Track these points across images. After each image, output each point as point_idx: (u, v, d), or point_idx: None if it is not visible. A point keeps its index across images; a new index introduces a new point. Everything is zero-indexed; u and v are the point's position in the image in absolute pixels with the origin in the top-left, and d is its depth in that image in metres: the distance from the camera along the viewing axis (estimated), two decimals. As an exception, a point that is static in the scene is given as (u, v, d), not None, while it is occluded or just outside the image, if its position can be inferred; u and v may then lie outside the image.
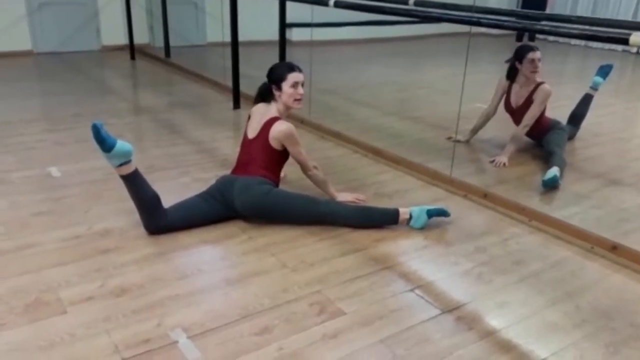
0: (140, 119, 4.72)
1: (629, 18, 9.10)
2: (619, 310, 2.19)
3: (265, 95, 2.93)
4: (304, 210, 2.78)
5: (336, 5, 3.51)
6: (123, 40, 7.95)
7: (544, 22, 3.80)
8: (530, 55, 3.77)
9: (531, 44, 3.89)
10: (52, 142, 3.99)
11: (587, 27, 2.89)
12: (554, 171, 3.31)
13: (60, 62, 7.12)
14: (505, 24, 3.10)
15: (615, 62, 8.63)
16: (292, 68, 2.86)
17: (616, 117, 5.29)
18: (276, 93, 2.86)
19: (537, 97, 3.79)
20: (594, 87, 4.39)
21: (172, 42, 7.48)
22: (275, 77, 2.85)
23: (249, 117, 2.98)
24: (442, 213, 2.84)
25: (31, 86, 6.04)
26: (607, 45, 9.44)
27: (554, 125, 3.94)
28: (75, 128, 4.33)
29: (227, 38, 5.16)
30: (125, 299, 2.16)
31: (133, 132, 4.31)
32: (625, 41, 2.11)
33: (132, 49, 7.47)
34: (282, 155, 2.88)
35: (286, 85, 2.83)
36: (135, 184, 2.59)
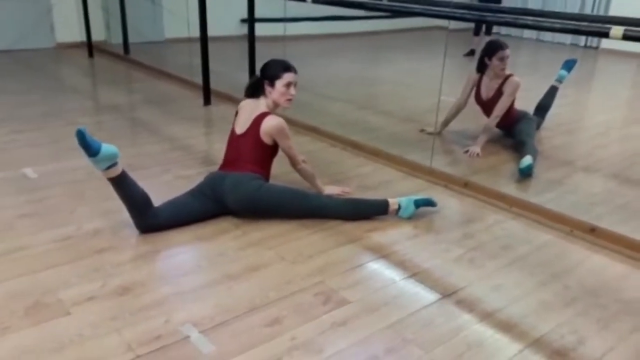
0: (110, 117, 4.62)
1: (576, 11, 9.49)
2: (604, 288, 2.33)
3: (255, 90, 2.94)
4: (295, 205, 2.82)
5: (315, 1, 3.54)
6: (79, 37, 7.72)
7: (509, 16, 3.94)
8: (500, 53, 3.92)
9: (501, 41, 4.03)
10: (23, 142, 3.87)
11: (547, 19, 3.03)
12: (528, 159, 3.46)
13: (14, 61, 6.86)
14: (488, 18, 3.21)
15: (565, 54, 9.02)
16: (289, 68, 2.89)
17: (575, 108, 5.56)
18: (268, 89, 2.88)
19: (507, 88, 3.94)
20: (559, 80, 4.61)
21: (130, 39, 7.33)
22: (270, 73, 2.87)
23: (237, 113, 2.98)
24: (429, 203, 2.93)
25: (-13, 86, 5.81)
26: (556, 39, 9.85)
27: (522, 115, 4.11)
28: (44, 128, 4.20)
29: (192, 33, 5.12)
30: (129, 298, 2.14)
31: (105, 131, 4.22)
32: (605, 34, 2.24)
33: (90, 46, 7.27)
34: (273, 150, 2.90)
35: (280, 84, 2.85)
36: (123, 186, 2.55)
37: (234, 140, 2.93)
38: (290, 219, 2.81)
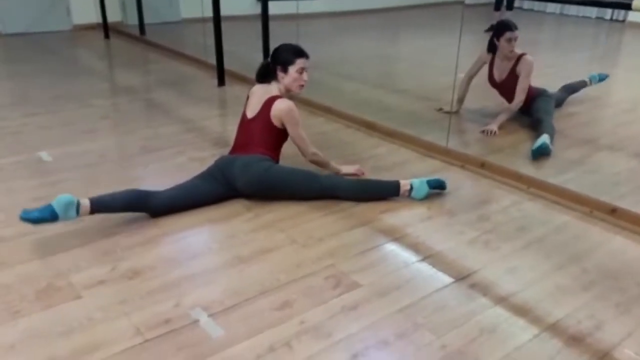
0: (124, 99, 4.62)
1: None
2: (624, 271, 2.26)
3: (266, 74, 2.89)
4: (305, 185, 2.78)
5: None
6: (95, 19, 7.72)
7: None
8: (508, 34, 3.81)
9: (510, 22, 3.91)
10: (36, 125, 3.88)
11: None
12: (543, 138, 3.37)
13: (31, 44, 6.89)
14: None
15: (590, 28, 8.78)
16: (301, 53, 2.84)
17: (599, 83, 5.38)
18: (280, 74, 2.83)
19: (522, 70, 3.82)
20: (590, 79, 4.58)
21: (145, 20, 7.30)
22: (283, 59, 2.82)
23: (248, 97, 2.94)
24: (440, 185, 2.87)
25: (2, 69, 5.84)
26: (581, 13, 9.56)
27: (540, 93, 3.99)
28: (59, 111, 4.22)
29: (206, 13, 5.06)
30: (139, 281, 2.14)
31: (120, 113, 4.22)
32: (628, 6, 2.14)
33: (106, 28, 7.26)
34: (283, 134, 2.86)
35: (293, 70, 2.80)
36: (106, 208, 2.49)
37: (245, 124, 2.89)
38: (301, 200, 2.78)
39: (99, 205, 2.45)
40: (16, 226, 2.51)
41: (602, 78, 4.70)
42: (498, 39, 3.85)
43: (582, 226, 2.62)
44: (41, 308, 1.98)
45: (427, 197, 2.83)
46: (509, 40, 3.80)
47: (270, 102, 2.79)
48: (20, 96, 4.70)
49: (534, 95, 3.96)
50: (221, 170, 2.76)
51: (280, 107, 2.77)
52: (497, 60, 3.96)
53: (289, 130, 2.84)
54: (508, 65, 3.90)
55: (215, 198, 2.75)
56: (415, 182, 2.84)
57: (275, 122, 2.80)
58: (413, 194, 2.83)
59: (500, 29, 3.87)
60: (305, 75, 2.85)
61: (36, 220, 2.28)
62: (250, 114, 2.86)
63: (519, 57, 3.85)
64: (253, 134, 2.83)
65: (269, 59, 2.89)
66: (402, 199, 2.83)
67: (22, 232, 2.46)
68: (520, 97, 3.85)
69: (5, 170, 3.11)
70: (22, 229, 2.48)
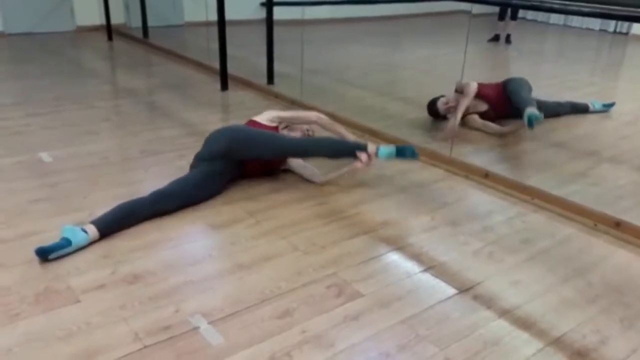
0: (126, 101, 4.60)
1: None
2: (629, 285, 2.24)
3: None
4: (277, 143, 2.89)
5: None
6: (98, 20, 7.72)
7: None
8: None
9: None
10: (38, 126, 3.86)
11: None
12: (529, 110, 3.49)
13: (34, 44, 6.88)
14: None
15: (593, 40, 8.79)
16: None
17: (601, 96, 5.35)
18: None
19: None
20: (593, 106, 4.56)
21: (149, 22, 7.29)
22: None
23: None
24: (411, 153, 2.94)
25: (5, 69, 5.81)
26: (584, 24, 9.58)
27: (507, 82, 4.06)
28: (61, 111, 4.19)
29: (210, 17, 5.05)
30: (139, 286, 2.11)
31: (122, 116, 4.20)
32: (637, 19, 2.12)
33: (110, 30, 7.26)
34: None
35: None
36: (117, 227, 2.47)
37: None
38: (274, 158, 2.94)
39: (108, 228, 2.42)
40: (16, 228, 2.50)
41: (608, 106, 4.67)
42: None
43: (586, 239, 2.60)
44: (40, 311, 1.95)
45: (390, 158, 2.95)
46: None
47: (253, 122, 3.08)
48: (23, 96, 4.67)
49: (502, 89, 4.06)
50: (207, 149, 2.87)
51: (262, 115, 3.09)
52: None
53: (287, 119, 3.12)
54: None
55: (209, 181, 2.80)
56: (383, 146, 2.98)
57: (270, 123, 3.04)
58: (380, 152, 2.92)
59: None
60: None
61: (51, 249, 2.23)
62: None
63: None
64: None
65: None
66: (404, 207, 2.81)
67: (22, 234, 2.44)
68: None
69: (6, 171, 3.09)
70: (22, 231, 2.46)
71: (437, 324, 1.97)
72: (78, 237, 2.31)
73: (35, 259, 2.25)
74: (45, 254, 2.22)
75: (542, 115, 3.49)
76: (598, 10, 2.47)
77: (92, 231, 2.36)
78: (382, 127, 3.92)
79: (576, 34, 9.26)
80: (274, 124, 3.08)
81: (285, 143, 2.89)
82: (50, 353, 1.76)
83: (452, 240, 2.54)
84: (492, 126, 3.94)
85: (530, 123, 3.46)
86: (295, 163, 3.13)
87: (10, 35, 7.27)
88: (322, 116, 3.16)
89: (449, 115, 3.99)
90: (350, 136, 3.18)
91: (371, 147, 2.89)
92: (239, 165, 2.94)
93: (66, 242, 2.26)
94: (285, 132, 3.14)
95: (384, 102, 4.89)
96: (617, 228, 2.63)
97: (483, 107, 4.06)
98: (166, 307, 2.00)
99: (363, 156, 2.83)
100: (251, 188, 2.97)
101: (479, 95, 4.02)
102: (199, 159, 2.88)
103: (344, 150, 2.92)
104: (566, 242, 2.56)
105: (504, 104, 4.00)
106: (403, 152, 2.94)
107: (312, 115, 3.16)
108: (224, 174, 2.86)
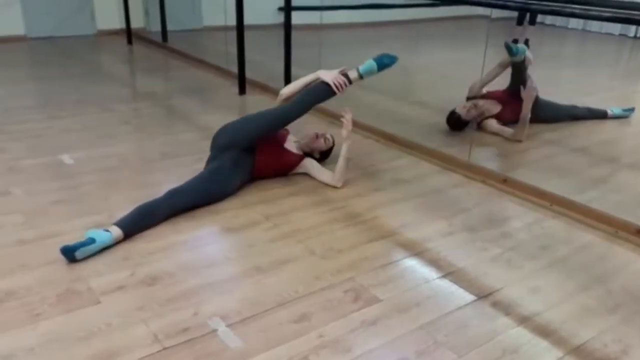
0: (145, 104, 4.64)
1: None
2: (651, 293, 2.21)
3: None
4: (266, 119, 3.03)
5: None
6: (118, 24, 7.81)
7: (554, 4, 3.80)
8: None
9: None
10: (59, 129, 3.92)
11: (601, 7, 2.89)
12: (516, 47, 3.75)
13: (55, 47, 6.98)
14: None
15: (612, 45, 8.68)
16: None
17: (622, 101, 5.29)
18: None
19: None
20: (612, 112, 4.50)
21: (168, 27, 7.35)
22: None
23: None
24: (390, 60, 3.19)
25: (27, 72, 5.91)
26: (604, 29, 9.47)
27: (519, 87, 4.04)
28: (81, 114, 4.25)
29: (229, 22, 5.08)
30: (158, 288, 2.13)
31: (140, 119, 4.24)
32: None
33: (129, 34, 7.34)
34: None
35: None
36: (140, 226, 2.52)
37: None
38: (271, 130, 3.05)
39: (132, 228, 2.46)
40: (37, 229, 2.53)
41: (628, 111, 4.61)
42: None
43: (606, 246, 2.56)
44: (61, 312, 1.97)
45: (372, 72, 3.18)
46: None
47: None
48: (44, 99, 4.74)
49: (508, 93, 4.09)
50: (215, 147, 3.01)
51: None
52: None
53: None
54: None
55: (220, 175, 2.86)
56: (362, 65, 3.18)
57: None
58: (362, 74, 3.20)
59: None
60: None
61: (76, 246, 2.26)
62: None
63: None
64: None
65: None
66: (422, 213, 2.80)
67: (43, 235, 2.47)
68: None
69: (27, 172, 3.14)
70: (43, 232, 2.50)
71: (455, 331, 1.95)
72: (102, 237, 2.34)
73: (57, 260, 2.28)
74: (70, 252, 2.25)
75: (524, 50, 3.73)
76: (619, 15, 2.44)
77: (116, 231, 2.40)
78: (399, 131, 3.91)
79: (595, 38, 9.16)
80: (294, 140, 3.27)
81: (270, 110, 3.08)
82: (71, 353, 1.78)
83: (470, 246, 2.53)
84: (509, 130, 3.90)
85: (510, 49, 3.67)
86: (312, 167, 3.13)
87: (32, 39, 7.39)
88: (286, 91, 3.23)
89: (472, 120, 3.97)
90: (310, 76, 3.23)
91: (352, 73, 3.13)
92: (248, 158, 2.98)
93: (90, 241, 2.30)
94: (298, 144, 3.25)
95: (401, 106, 4.88)
96: (638, 235, 2.60)
97: (497, 108, 4.05)
98: (185, 309, 2.01)
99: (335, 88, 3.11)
100: (268, 192, 2.98)
101: (490, 97, 4.01)
102: (208, 162, 3.02)
103: (319, 92, 3.12)
104: (586, 249, 2.53)
105: (515, 103, 3.96)
106: (382, 63, 3.15)
107: (278, 100, 3.25)
108: (232, 169, 2.89)
